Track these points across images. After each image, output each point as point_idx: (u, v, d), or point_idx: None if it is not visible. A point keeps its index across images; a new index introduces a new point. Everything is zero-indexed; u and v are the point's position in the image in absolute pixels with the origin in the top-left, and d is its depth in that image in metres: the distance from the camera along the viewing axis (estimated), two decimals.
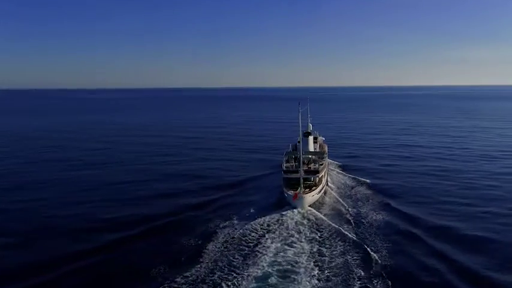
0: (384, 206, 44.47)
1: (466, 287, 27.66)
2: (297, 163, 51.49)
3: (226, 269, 29.66)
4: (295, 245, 33.36)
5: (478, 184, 54.37)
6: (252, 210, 42.49)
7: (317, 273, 28.82)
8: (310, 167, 48.72)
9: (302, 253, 31.84)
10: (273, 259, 30.62)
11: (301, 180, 44.27)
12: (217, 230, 37.35)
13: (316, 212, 41.20)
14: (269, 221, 38.60)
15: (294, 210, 41.07)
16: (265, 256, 31.12)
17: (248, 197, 48.99)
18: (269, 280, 27.70)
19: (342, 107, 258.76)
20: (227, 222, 39.21)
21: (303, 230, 36.57)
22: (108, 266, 31.65)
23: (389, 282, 27.85)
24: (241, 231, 36.35)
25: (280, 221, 38.52)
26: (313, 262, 30.49)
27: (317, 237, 35.30)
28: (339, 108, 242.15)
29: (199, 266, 30.04)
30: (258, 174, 61.26)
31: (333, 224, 37.85)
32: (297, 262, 30.35)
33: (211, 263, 30.57)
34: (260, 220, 38.70)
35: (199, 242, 34.75)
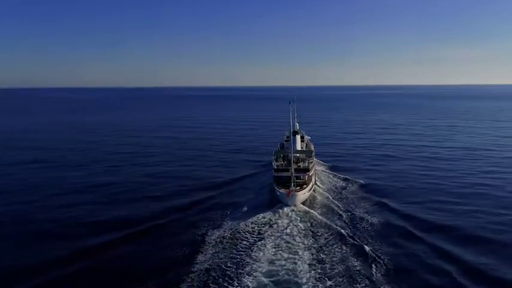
0: (372, 202, 45.13)
1: (470, 285, 27.47)
2: (286, 162, 50.93)
3: (220, 279, 27.70)
4: (292, 243, 32.95)
5: (462, 181, 54.98)
6: (244, 210, 41.89)
7: (319, 271, 28.30)
8: (300, 166, 48.60)
9: (299, 251, 31.37)
10: (270, 267, 29.10)
11: (294, 179, 44.09)
12: (208, 233, 35.86)
13: (309, 210, 41.06)
14: (262, 221, 38.04)
15: (286, 208, 40.84)
16: (262, 262, 29.81)
17: (237, 197, 48.08)
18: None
19: (321, 106, 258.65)
20: (219, 223, 38.26)
21: (298, 228, 36.20)
22: (94, 273, 29.99)
23: (389, 277, 28.02)
24: (234, 233, 35.31)
25: (273, 220, 38.04)
26: (313, 259, 30.20)
27: (312, 234, 35.01)
28: (318, 107, 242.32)
29: (190, 278, 27.98)
30: (244, 174, 60.50)
31: (327, 221, 37.78)
32: (296, 259, 30.05)
33: (202, 273, 28.52)
34: (253, 219, 38.10)
35: (190, 248, 33.11)
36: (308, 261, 29.64)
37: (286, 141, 60.79)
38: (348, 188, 50.87)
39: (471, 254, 31.77)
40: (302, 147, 59.28)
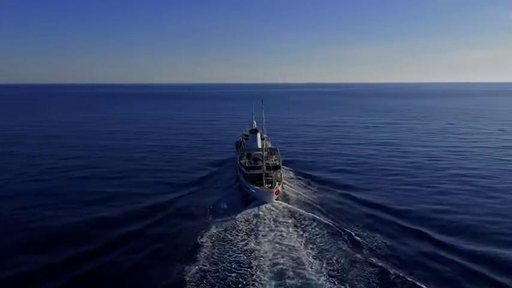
0: (336, 191, 48.96)
1: (443, 259, 31.83)
2: (251, 159, 52.71)
3: (225, 281, 27.68)
4: (285, 236, 34.84)
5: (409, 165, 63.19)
6: (222, 210, 42.43)
7: (323, 266, 29.95)
8: (269, 163, 49.92)
9: (293, 243, 33.40)
10: (272, 261, 30.30)
11: (275, 176, 45.54)
12: (192, 240, 34.72)
13: (288, 205, 42.99)
14: (246, 218, 39.16)
15: (264, 205, 42.14)
16: (263, 258, 30.87)
17: (208, 197, 48.19)
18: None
19: (249, 105, 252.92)
20: (202, 225, 37.80)
21: (283, 222, 38.02)
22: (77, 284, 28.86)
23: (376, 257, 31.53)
24: (222, 233, 35.86)
25: (256, 218, 39.22)
26: (310, 248, 32.58)
27: (298, 226, 37.29)
28: (245, 106, 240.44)
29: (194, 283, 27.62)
30: (206, 174, 60.31)
31: (307, 213, 40.25)
32: (294, 250, 32.07)
33: (204, 278, 28.25)
34: (236, 218, 39.01)
35: (182, 253, 32.59)
36: (305, 251, 31.89)
37: (245, 139, 62.22)
38: (309, 182, 53.80)
39: (439, 231, 36.93)
40: (263, 145, 60.05)
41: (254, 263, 30.12)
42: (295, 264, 29.75)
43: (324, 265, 29.81)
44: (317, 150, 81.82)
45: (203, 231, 36.46)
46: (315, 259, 30.71)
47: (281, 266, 29.41)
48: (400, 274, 28.55)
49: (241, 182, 49.71)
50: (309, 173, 58.74)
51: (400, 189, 50.93)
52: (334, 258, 31.10)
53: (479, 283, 28.13)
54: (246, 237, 35.05)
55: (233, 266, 29.90)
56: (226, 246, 33.18)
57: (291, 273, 28.44)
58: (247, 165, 49.95)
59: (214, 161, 69.35)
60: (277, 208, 41.78)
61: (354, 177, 57.11)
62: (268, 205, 42.24)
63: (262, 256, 31.11)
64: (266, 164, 49.13)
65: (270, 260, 30.49)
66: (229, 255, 31.50)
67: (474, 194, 48.85)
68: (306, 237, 34.83)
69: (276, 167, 49.09)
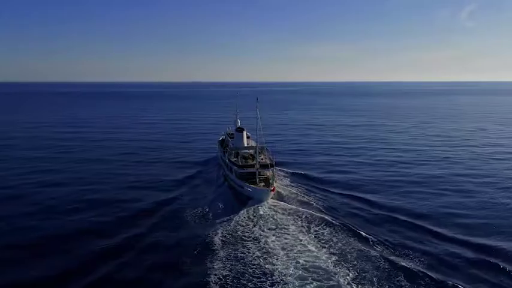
0: (329, 190, 49.36)
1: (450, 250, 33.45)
2: (240, 158, 52.47)
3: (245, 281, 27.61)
4: (292, 234, 35.22)
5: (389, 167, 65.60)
6: (218, 211, 41.66)
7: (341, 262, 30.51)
8: (261, 161, 49.74)
9: (302, 240, 33.92)
10: (287, 259, 30.51)
11: (270, 175, 45.57)
12: (199, 244, 33.69)
13: (286, 204, 43.10)
14: (247, 217, 39.05)
15: (261, 203, 42.24)
16: (278, 255, 31.01)
17: (200, 198, 47.27)
18: None
19: (199, 105, 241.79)
20: (204, 231, 36.42)
21: (286, 220, 38.38)
22: None
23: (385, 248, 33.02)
24: (229, 233, 35.49)
25: (257, 220, 38.66)
26: (319, 245, 33.11)
27: (302, 222, 37.84)
28: (195, 107, 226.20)
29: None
30: (189, 174, 59.03)
31: (308, 210, 40.76)
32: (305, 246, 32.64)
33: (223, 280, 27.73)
34: (237, 218, 38.59)
35: (194, 255, 31.89)
36: (314, 246, 32.61)
37: (231, 138, 61.82)
38: (295, 179, 54.14)
39: (435, 225, 39.06)
40: (248, 144, 60.00)
41: (273, 261, 30.24)
42: (313, 261, 30.25)
43: (339, 261, 30.45)
44: (299, 148, 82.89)
45: (208, 234, 35.53)
46: (332, 255, 31.35)
47: (299, 264, 29.72)
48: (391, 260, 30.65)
49: (233, 180, 49.23)
50: (297, 171, 58.67)
51: (400, 188, 51.42)
52: (347, 251, 32.10)
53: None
54: (254, 236, 34.94)
55: (251, 265, 29.78)
56: (237, 248, 32.68)
57: (311, 271, 28.85)
58: (240, 163, 49.56)
59: (197, 162, 68.44)
60: (276, 206, 41.97)
61: (344, 176, 57.86)
62: (266, 203, 42.37)
63: (276, 255, 31.26)
64: (259, 162, 48.89)
65: (288, 258, 30.72)
66: (244, 256, 31.21)
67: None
68: (313, 234, 35.40)
69: (269, 165, 48.93)
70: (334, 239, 34.20)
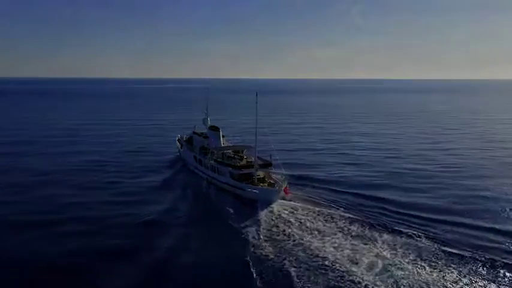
0: (326, 187, 50.17)
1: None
2: (225, 158, 51.01)
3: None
4: (322, 231, 36.00)
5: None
6: (232, 216, 39.90)
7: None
8: (259, 161, 48.03)
9: (333, 238, 34.83)
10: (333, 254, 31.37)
11: (271, 175, 45.09)
12: (240, 255, 32.02)
13: (295, 203, 42.71)
14: (271, 225, 37.41)
15: (273, 204, 41.48)
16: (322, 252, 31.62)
17: (197, 204, 45.45)
18: None
19: (111, 104, 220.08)
20: (233, 239, 34.95)
21: (309, 219, 38.56)
22: None
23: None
24: (261, 237, 34.81)
25: (277, 221, 38.02)
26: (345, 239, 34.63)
27: (325, 220, 38.70)
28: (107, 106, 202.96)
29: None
30: (163, 178, 55.95)
31: (320, 208, 41.36)
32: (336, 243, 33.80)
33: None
34: (260, 227, 36.91)
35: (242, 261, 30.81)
36: (339, 242, 33.84)
37: (205, 137, 59.02)
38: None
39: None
40: (223, 143, 57.75)
41: (330, 258, 30.75)
42: (369, 253, 31.76)
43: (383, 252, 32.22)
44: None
45: (240, 242, 34.07)
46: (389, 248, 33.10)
47: (356, 260, 30.73)
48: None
49: (228, 183, 47.08)
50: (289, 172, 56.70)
51: (400, 186, 53.14)
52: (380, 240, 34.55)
53: None
54: (291, 238, 34.49)
55: (312, 266, 29.83)
56: (281, 254, 31.74)
57: (379, 266, 29.91)
58: (238, 164, 47.70)
59: (159, 165, 64.09)
60: (288, 206, 41.61)
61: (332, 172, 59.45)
62: (278, 204, 41.53)
63: (326, 252, 31.77)
64: (258, 162, 47.16)
65: (342, 255, 31.50)
66: (297, 260, 30.74)
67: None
68: (338, 230, 36.49)
69: (268, 164, 47.49)
70: (365, 235, 35.53)
